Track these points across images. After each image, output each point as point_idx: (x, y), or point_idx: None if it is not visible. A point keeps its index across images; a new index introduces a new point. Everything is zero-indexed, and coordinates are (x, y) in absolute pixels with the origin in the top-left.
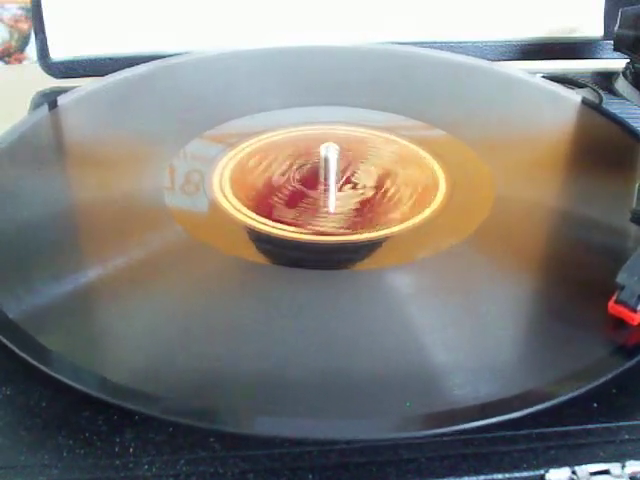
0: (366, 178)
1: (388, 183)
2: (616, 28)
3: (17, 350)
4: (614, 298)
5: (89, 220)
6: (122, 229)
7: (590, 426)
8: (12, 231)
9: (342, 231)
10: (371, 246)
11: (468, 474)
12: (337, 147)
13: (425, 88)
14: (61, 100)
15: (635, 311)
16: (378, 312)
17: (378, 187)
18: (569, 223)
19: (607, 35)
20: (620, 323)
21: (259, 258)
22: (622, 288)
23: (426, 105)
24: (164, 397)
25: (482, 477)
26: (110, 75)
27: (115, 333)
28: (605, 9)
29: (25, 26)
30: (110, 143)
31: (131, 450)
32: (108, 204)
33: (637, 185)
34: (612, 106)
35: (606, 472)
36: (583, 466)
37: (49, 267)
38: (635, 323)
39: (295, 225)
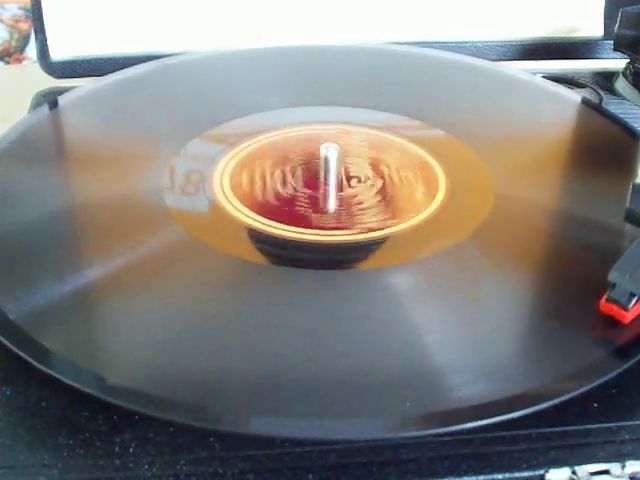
0: (367, 176)
1: (389, 181)
2: (616, 28)
3: (17, 350)
4: (605, 296)
5: (89, 220)
6: (122, 229)
7: (590, 426)
8: (12, 231)
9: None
10: (371, 246)
11: (468, 474)
12: (337, 147)
13: (425, 88)
14: (62, 100)
15: (626, 309)
16: (378, 312)
17: (378, 185)
18: (569, 223)
19: (607, 35)
20: (613, 322)
21: (259, 258)
22: (613, 286)
23: (426, 105)
24: (164, 397)
25: (482, 477)
26: (110, 75)
27: (115, 333)
28: (605, 9)
29: (25, 26)
30: (110, 143)
31: (131, 450)
32: (108, 204)
33: (632, 184)
34: (612, 106)
35: (606, 472)
36: (583, 466)
37: (49, 267)
38: (627, 321)
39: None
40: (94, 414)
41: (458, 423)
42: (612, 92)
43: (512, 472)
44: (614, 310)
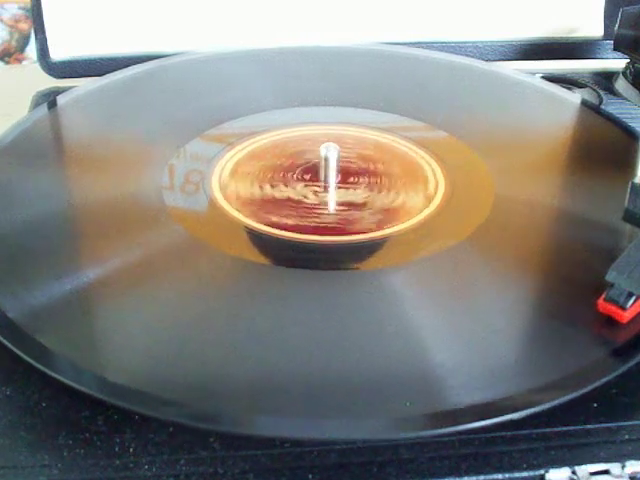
0: (367, 177)
1: (389, 181)
2: (616, 28)
3: (17, 350)
4: (603, 296)
5: (89, 220)
6: (121, 229)
7: (590, 426)
8: (11, 230)
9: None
10: (371, 246)
11: (468, 474)
12: (337, 147)
13: (425, 89)
14: (60, 99)
15: (624, 309)
16: (378, 312)
17: (378, 186)
18: (569, 223)
19: (607, 35)
20: (612, 322)
21: (259, 258)
22: (611, 286)
23: (426, 105)
24: (163, 397)
25: (482, 477)
26: (109, 75)
27: (115, 333)
28: (605, 9)
29: (25, 26)
30: (109, 142)
31: (131, 450)
32: (107, 204)
33: (629, 184)
34: (612, 106)
35: (606, 472)
36: (583, 466)
37: (48, 266)
38: (625, 321)
39: (295, 226)
40: (94, 414)
41: (457, 424)
42: (612, 92)
43: (512, 472)
44: (612, 310)
